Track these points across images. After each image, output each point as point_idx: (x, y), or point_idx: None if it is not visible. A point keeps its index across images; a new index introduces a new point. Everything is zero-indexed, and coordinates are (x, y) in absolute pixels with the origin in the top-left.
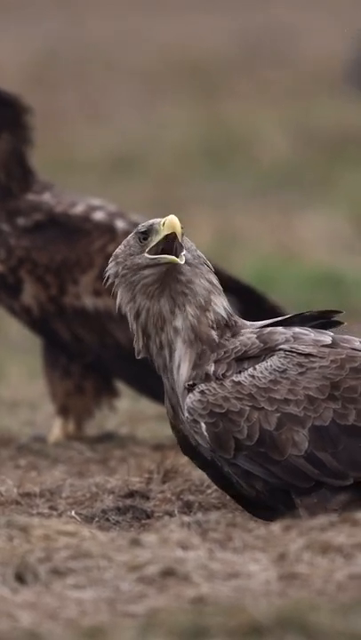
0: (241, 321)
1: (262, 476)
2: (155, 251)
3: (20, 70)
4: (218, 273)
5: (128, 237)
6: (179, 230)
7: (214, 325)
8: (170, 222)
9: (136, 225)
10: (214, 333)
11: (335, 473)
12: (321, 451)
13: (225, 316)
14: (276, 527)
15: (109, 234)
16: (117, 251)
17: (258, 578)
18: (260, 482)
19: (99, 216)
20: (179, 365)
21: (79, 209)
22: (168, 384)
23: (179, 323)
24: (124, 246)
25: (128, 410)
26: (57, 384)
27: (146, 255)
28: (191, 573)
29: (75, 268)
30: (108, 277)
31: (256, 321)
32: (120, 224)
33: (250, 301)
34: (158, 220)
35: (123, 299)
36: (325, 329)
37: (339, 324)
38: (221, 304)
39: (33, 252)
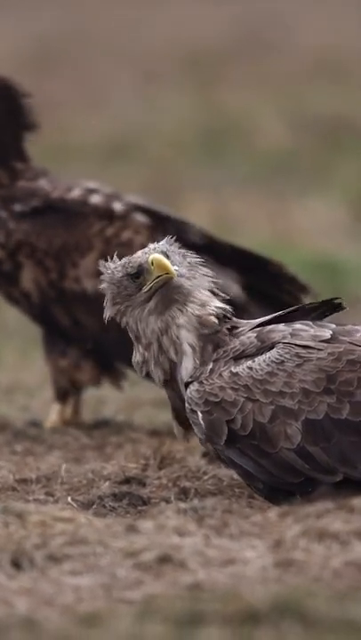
0: (239, 321)
1: (252, 471)
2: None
3: (18, 56)
4: (218, 244)
5: (117, 278)
6: (170, 269)
7: (215, 314)
8: (158, 264)
9: (133, 206)
10: (216, 320)
11: (325, 468)
12: (312, 445)
13: (224, 309)
14: (272, 514)
15: (107, 217)
16: (109, 294)
17: (254, 564)
18: (260, 482)
19: (95, 199)
20: (190, 356)
21: (76, 193)
22: (173, 392)
23: (182, 320)
24: (117, 287)
25: (125, 396)
26: (57, 362)
27: (143, 292)
28: (187, 560)
29: (74, 251)
30: (109, 317)
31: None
32: (117, 206)
33: (253, 268)
34: (143, 257)
35: (128, 324)
36: (329, 315)
37: (341, 308)
38: (221, 303)
39: (32, 236)
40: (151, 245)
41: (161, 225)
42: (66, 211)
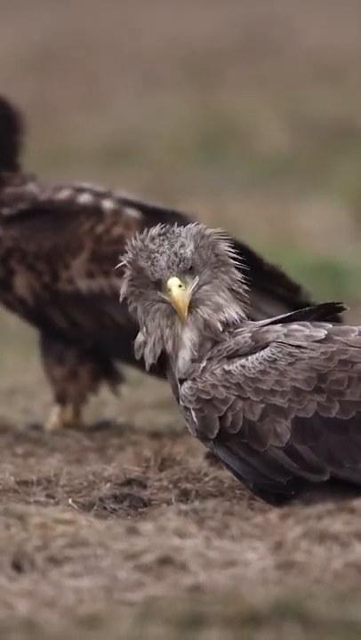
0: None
1: (239, 470)
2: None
3: (17, 60)
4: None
5: (138, 265)
6: (182, 312)
7: (225, 321)
8: (174, 301)
9: (123, 202)
10: (220, 325)
11: (313, 467)
12: (301, 443)
13: (237, 318)
14: (273, 515)
15: (96, 215)
16: (129, 273)
17: (255, 566)
18: (250, 482)
19: (84, 199)
20: (188, 349)
21: (64, 194)
22: (173, 382)
23: (188, 319)
24: (137, 273)
25: (126, 398)
26: (52, 371)
27: (160, 294)
28: (188, 562)
29: (65, 252)
30: (124, 296)
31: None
32: (107, 204)
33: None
34: (165, 273)
35: (136, 310)
36: (329, 316)
37: (342, 309)
38: (235, 310)
39: (21, 241)
40: (179, 245)
41: (154, 219)
42: (54, 212)
